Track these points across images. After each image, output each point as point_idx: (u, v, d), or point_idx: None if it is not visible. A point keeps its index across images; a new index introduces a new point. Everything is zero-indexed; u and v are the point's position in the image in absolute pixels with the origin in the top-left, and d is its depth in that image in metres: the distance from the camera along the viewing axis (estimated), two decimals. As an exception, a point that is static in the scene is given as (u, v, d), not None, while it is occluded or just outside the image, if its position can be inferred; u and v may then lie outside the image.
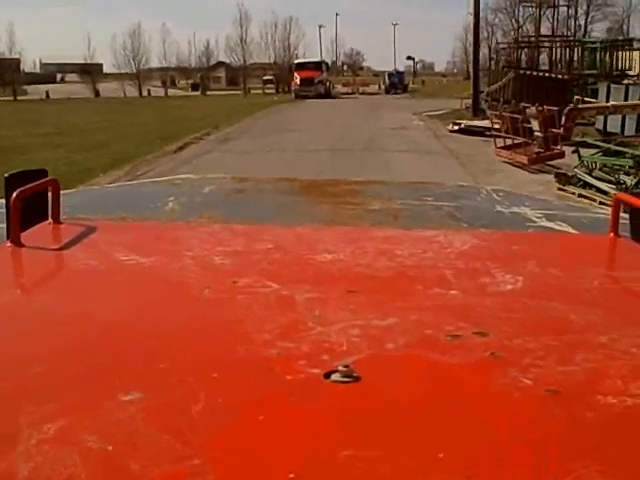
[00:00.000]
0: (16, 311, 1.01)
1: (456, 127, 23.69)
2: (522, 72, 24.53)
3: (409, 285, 1.11)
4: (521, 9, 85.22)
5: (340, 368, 0.77)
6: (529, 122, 16.49)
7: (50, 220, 1.35)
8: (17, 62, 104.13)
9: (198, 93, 71.24)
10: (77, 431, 0.66)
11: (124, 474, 0.61)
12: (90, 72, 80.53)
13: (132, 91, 69.89)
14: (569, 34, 42.16)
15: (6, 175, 1.24)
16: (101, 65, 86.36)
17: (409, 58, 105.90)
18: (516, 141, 16.30)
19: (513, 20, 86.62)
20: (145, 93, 69.35)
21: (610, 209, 1.40)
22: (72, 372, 0.80)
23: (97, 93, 68.63)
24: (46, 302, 1.05)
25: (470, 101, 34.30)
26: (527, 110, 16.77)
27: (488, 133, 22.81)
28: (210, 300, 1.03)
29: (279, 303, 1.00)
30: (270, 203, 1.98)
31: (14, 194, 1.19)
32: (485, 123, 24.01)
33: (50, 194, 1.35)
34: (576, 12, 77.05)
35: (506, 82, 23.92)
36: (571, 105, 17.95)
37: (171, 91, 74.60)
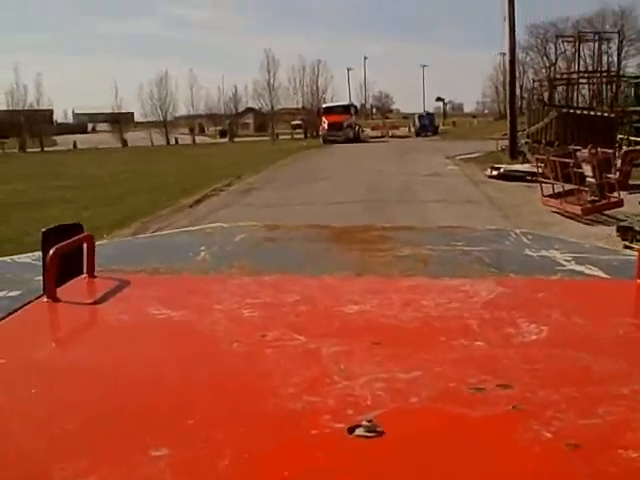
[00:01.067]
0: (50, 365, 1.02)
1: (495, 172, 22.05)
2: (565, 111, 22.83)
3: (434, 336, 1.10)
4: (552, 47, 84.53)
5: (364, 423, 0.79)
6: (580, 166, 14.83)
7: (85, 275, 1.39)
8: (49, 113, 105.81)
9: (226, 140, 70.75)
10: None
11: None
12: (119, 121, 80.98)
13: (160, 139, 69.65)
14: (603, 70, 40.59)
15: (43, 230, 1.30)
16: (132, 114, 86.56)
17: (439, 99, 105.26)
18: (566, 188, 14.65)
19: (544, 58, 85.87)
20: (173, 141, 69.01)
21: None
22: (104, 428, 0.81)
23: (125, 142, 68.37)
24: (79, 356, 1.06)
25: (506, 143, 32.77)
26: (578, 153, 15.07)
27: (530, 178, 21.27)
28: (238, 354, 1.04)
29: (305, 356, 1.01)
30: (300, 251, 1.98)
31: (52, 250, 1.23)
32: (526, 167, 22.41)
33: (85, 248, 1.38)
34: (609, 48, 76.18)
35: (548, 122, 22.29)
36: (617, 145, 16.33)
37: (199, 138, 74.30)
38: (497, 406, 0.85)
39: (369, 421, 0.79)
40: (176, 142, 68.53)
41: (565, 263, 1.70)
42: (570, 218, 13.96)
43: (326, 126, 56.95)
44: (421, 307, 1.25)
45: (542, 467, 0.72)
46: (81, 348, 1.14)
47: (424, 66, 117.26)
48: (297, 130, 73.91)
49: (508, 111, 29.93)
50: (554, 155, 15.57)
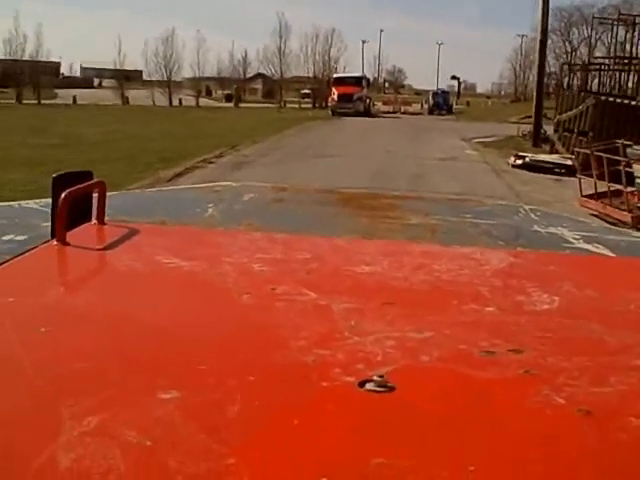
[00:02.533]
0: (60, 306, 1.03)
1: (519, 161, 19.57)
2: (604, 99, 20.23)
3: (445, 300, 1.10)
4: (575, 31, 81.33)
5: (375, 378, 0.78)
6: (629, 165, 12.42)
7: (95, 221, 1.37)
8: (57, 65, 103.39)
9: (231, 105, 68.06)
10: (117, 425, 0.68)
11: (161, 469, 0.63)
12: (129, 78, 78.27)
13: (164, 100, 66.96)
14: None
15: (54, 175, 1.27)
16: (140, 72, 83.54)
17: (454, 78, 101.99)
18: (604, 189, 12.26)
19: (567, 43, 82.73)
20: (176, 102, 66.27)
21: None
22: (113, 369, 0.82)
23: (127, 100, 65.73)
24: (89, 300, 1.07)
25: (528, 128, 30.25)
26: (628, 150, 12.63)
27: (558, 170, 18.89)
28: (249, 305, 1.04)
29: (316, 312, 1.01)
30: (309, 213, 1.98)
31: (64, 194, 1.21)
32: (555, 158, 19.95)
33: (96, 195, 1.37)
34: (633, 35, 73.26)
35: (583, 110, 19.71)
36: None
37: (204, 101, 71.61)
38: (508, 370, 0.84)
39: (380, 376, 0.78)
40: (180, 103, 65.78)
41: (573, 241, 1.69)
42: (613, 224, 11.58)
43: (336, 97, 53.90)
44: (432, 271, 1.24)
45: (552, 431, 0.72)
46: (91, 292, 1.13)
47: (440, 43, 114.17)
48: (306, 99, 71.21)
49: (535, 94, 27.30)
50: (598, 149, 13.08)
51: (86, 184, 1.31)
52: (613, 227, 2.31)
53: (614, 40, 28.95)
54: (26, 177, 14.02)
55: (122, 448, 0.65)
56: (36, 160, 16.74)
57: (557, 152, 21.06)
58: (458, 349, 0.90)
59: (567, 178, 17.71)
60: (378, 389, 0.77)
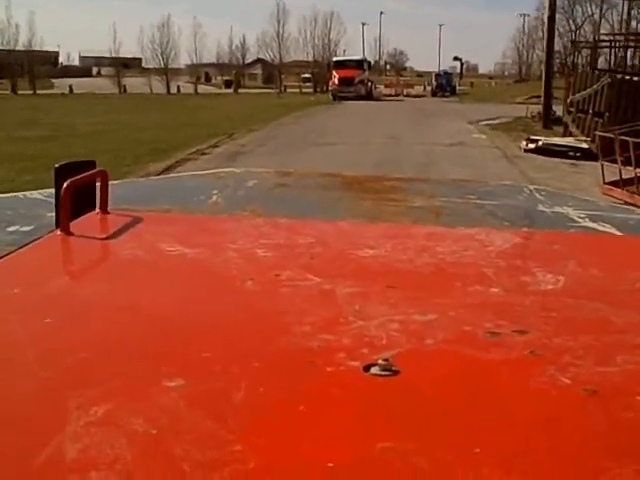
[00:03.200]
0: (65, 296, 1.03)
1: (531, 145, 18.43)
2: (620, 77, 19.01)
3: (449, 282, 1.10)
4: (579, 9, 79.69)
5: (380, 362, 0.79)
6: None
7: (98, 210, 1.37)
8: (55, 55, 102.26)
9: (230, 91, 66.81)
10: (123, 414, 0.68)
11: (167, 457, 0.63)
12: (128, 66, 77.15)
13: (161, 87, 65.76)
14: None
15: (56, 165, 1.27)
16: (139, 60, 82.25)
17: (456, 59, 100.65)
18: (630, 175, 11.16)
19: (570, 21, 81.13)
20: (175, 89, 65.05)
21: None
22: (117, 358, 0.82)
23: (124, 89, 64.54)
24: (94, 289, 1.06)
25: (537, 109, 29.06)
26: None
27: (572, 154, 17.76)
28: (253, 292, 1.04)
29: (320, 296, 1.02)
30: (313, 198, 1.95)
31: (65, 184, 1.21)
32: (569, 141, 18.81)
33: (99, 184, 1.37)
34: (637, 12, 71.64)
35: (598, 89, 18.54)
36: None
37: (203, 88, 70.34)
38: (513, 350, 0.84)
39: (385, 360, 0.79)
40: (178, 90, 64.57)
41: (579, 220, 1.67)
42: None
43: (336, 81, 52.63)
44: (436, 253, 1.24)
45: (559, 411, 0.72)
46: (95, 281, 1.13)
47: (441, 25, 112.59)
48: (307, 84, 69.96)
49: (544, 74, 26.08)
50: (622, 132, 11.96)
51: (88, 173, 1.31)
52: (619, 205, 2.07)
53: (626, 16, 27.60)
54: (8, 174, 13.08)
55: (128, 437, 0.65)
56: (18, 155, 15.81)
57: (571, 134, 19.90)
58: (463, 331, 0.89)
59: (583, 162, 16.65)
60: (383, 373, 0.77)
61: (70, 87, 60.00)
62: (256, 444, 0.65)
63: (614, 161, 11.68)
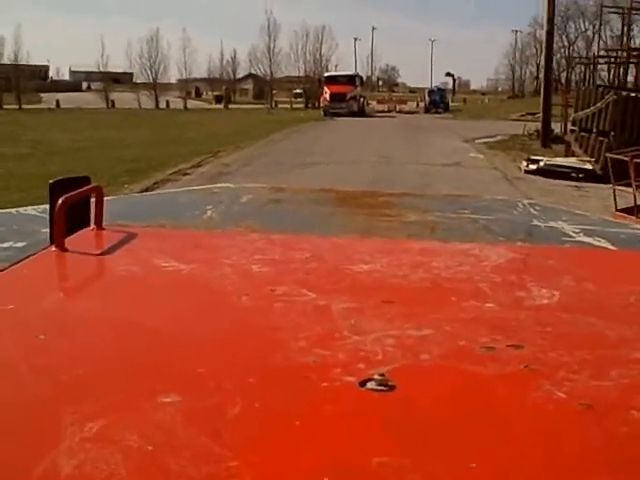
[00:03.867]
0: (59, 313, 1.03)
1: (533, 166, 17.42)
2: (626, 94, 17.99)
3: (444, 297, 1.10)
4: (572, 25, 79.27)
5: (375, 377, 0.79)
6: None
7: (93, 226, 1.37)
8: (45, 69, 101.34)
9: (221, 106, 65.90)
10: (118, 430, 0.68)
11: (163, 473, 0.63)
12: (119, 81, 76.31)
13: (151, 102, 64.81)
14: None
15: (51, 181, 1.27)
16: (131, 74, 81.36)
17: (448, 74, 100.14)
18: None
19: (564, 37, 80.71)
20: (164, 104, 64.12)
21: None
22: (112, 374, 0.81)
23: (112, 104, 63.59)
24: (88, 305, 1.06)
25: (534, 126, 28.15)
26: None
27: (575, 175, 16.78)
28: (248, 307, 1.04)
29: (315, 312, 1.01)
30: (307, 213, 1.95)
31: (60, 200, 1.21)
32: (572, 161, 17.82)
33: (94, 200, 1.37)
34: (629, 29, 71.24)
35: (603, 107, 17.56)
36: None
37: (193, 103, 69.57)
38: (509, 365, 0.84)
39: (381, 375, 0.79)
40: (167, 106, 63.76)
41: (573, 234, 1.68)
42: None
43: (328, 97, 51.56)
44: (431, 269, 1.24)
45: (554, 426, 0.72)
46: (90, 297, 1.13)
47: (433, 40, 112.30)
48: (298, 99, 69.14)
49: (542, 89, 25.13)
50: (635, 154, 10.94)
51: (83, 189, 1.31)
52: (612, 220, 2.15)
53: (625, 30, 26.74)
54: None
55: (123, 453, 0.65)
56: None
57: (574, 154, 18.91)
58: (458, 346, 0.89)
59: (587, 184, 15.69)
60: (379, 388, 0.77)
61: (57, 102, 59.09)
62: (252, 460, 0.65)
63: (627, 185, 10.66)
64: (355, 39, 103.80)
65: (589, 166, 17.05)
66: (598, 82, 23.69)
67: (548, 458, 0.66)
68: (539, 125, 27.71)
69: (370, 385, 0.77)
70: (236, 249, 1.32)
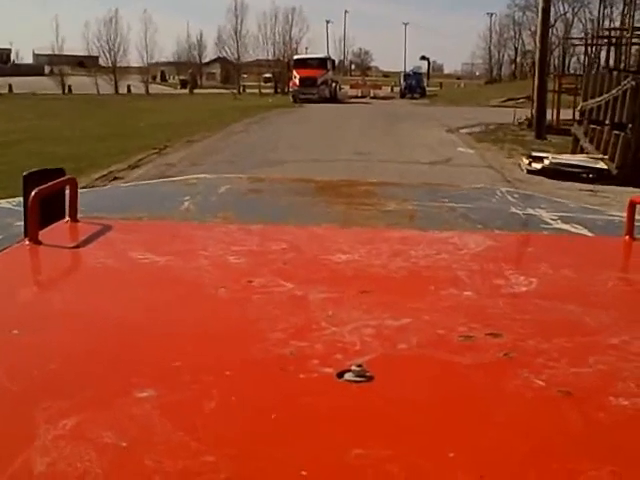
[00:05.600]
0: (32, 307, 1.01)
1: (536, 165, 14.60)
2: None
3: (423, 286, 1.11)
4: (552, 7, 76.91)
5: (353, 368, 0.78)
6: None
7: (67, 218, 1.35)
8: (7, 52, 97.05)
9: (186, 91, 62.43)
10: (92, 427, 0.68)
11: (138, 469, 0.62)
12: (83, 64, 72.57)
13: (111, 87, 61.16)
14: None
15: (24, 173, 1.25)
16: (97, 58, 77.37)
17: (423, 58, 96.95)
18: None
19: (543, 18, 78.22)
20: (125, 90, 60.48)
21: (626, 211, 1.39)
22: (87, 369, 0.81)
23: (69, 89, 59.84)
24: (63, 299, 1.05)
25: (524, 114, 25.40)
26: None
27: (586, 176, 14.02)
28: (225, 299, 1.04)
29: (293, 303, 1.01)
30: (285, 203, 1.97)
31: (33, 192, 1.19)
32: (583, 159, 15.01)
33: (68, 192, 1.34)
34: (611, 11, 68.95)
35: (618, 95, 14.73)
36: None
37: (157, 88, 66.08)
38: (487, 354, 0.84)
39: (358, 366, 0.78)
40: (128, 91, 60.10)
41: (551, 222, 1.68)
42: None
43: (297, 81, 48.11)
44: (409, 257, 1.24)
45: (533, 413, 0.73)
46: (64, 291, 1.11)
47: (406, 24, 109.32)
48: (268, 84, 65.85)
49: (536, 72, 22.27)
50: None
51: (56, 181, 1.28)
52: (590, 206, 2.12)
53: (630, 11, 23.93)
54: None
55: (98, 450, 0.64)
56: None
57: (582, 150, 16.10)
58: (437, 335, 0.89)
59: (604, 188, 12.98)
60: (357, 379, 0.76)
61: (10, 86, 55.31)
62: (228, 454, 0.64)
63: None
64: (327, 22, 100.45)
65: (602, 165, 14.29)
66: (595, 65, 20.94)
67: (527, 445, 0.67)
68: (529, 113, 25.03)
69: (348, 376, 0.76)
70: (213, 240, 1.31)
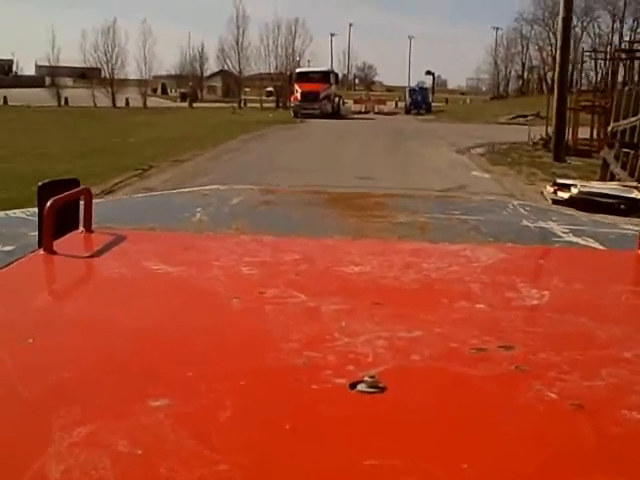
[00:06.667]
0: (48, 316, 1.03)
1: (563, 194, 12.86)
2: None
3: (435, 298, 1.11)
4: (559, 21, 75.48)
5: (366, 379, 0.78)
6: None
7: (82, 229, 1.37)
8: (9, 64, 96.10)
9: (186, 104, 60.98)
10: (107, 435, 0.68)
11: (153, 477, 0.63)
12: (85, 76, 71.36)
13: (108, 100, 59.69)
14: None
15: (40, 184, 1.26)
16: (99, 70, 76.07)
17: (428, 73, 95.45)
18: None
19: (550, 33, 76.78)
20: (123, 102, 59.03)
21: None
22: (102, 378, 0.82)
23: (65, 101, 58.43)
24: (77, 308, 1.06)
25: (540, 134, 23.75)
26: None
27: (623, 207, 12.34)
28: (238, 310, 1.04)
29: (306, 314, 1.02)
30: (297, 215, 1.97)
31: (49, 202, 1.20)
32: (613, 187, 13.30)
33: (82, 203, 1.37)
34: (622, 26, 67.56)
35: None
36: None
37: (156, 101, 64.95)
38: (499, 366, 0.84)
39: (371, 377, 0.78)
40: (127, 104, 58.65)
41: (562, 235, 1.68)
42: None
43: (299, 95, 46.41)
44: (422, 270, 1.24)
45: (545, 426, 0.72)
46: (79, 300, 1.12)
47: (411, 37, 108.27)
48: (271, 98, 64.37)
49: (556, 87, 20.57)
50: None
51: (72, 192, 1.29)
52: (601, 220, 2.07)
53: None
54: None
55: (113, 458, 0.64)
56: None
57: (612, 177, 14.41)
58: (449, 347, 0.89)
59: (638, 220, 11.29)
60: (369, 390, 0.76)
61: (5, 98, 53.98)
62: (242, 463, 0.64)
63: None
64: (332, 34, 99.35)
65: (637, 194, 12.58)
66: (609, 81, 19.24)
67: (539, 459, 0.66)
68: (542, 132, 23.41)
69: (361, 387, 0.76)
70: (226, 251, 1.31)
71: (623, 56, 22.78)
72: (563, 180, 13.87)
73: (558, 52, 20.42)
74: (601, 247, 1.56)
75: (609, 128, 15.94)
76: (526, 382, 0.80)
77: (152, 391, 0.75)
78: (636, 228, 1.47)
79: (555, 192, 13.08)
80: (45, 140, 22.79)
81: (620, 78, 22.25)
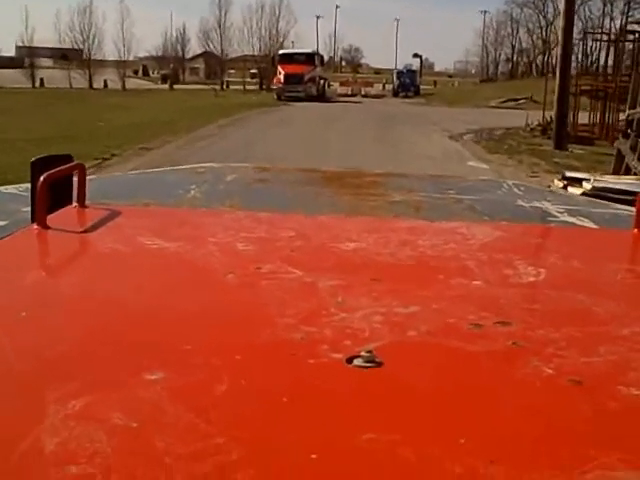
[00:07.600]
0: (41, 290, 1.02)
1: (575, 190, 11.37)
2: None
3: (432, 275, 1.11)
4: (550, 4, 73.95)
5: (363, 353, 0.79)
6: None
7: (75, 204, 1.36)
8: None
9: (166, 86, 59.04)
10: (102, 408, 0.68)
11: (148, 451, 0.63)
12: (67, 57, 69.16)
13: (85, 82, 57.70)
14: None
15: (32, 159, 1.25)
16: (81, 51, 73.72)
17: (416, 56, 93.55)
18: None
19: (541, 16, 75.28)
20: (101, 84, 57.03)
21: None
22: (97, 352, 0.82)
23: (41, 82, 56.40)
24: (71, 283, 1.06)
25: (537, 119, 22.31)
26: None
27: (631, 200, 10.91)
28: (234, 285, 1.04)
29: (302, 289, 1.02)
30: (292, 192, 1.96)
31: (42, 177, 1.19)
32: (631, 181, 11.82)
33: (76, 178, 1.35)
34: (612, 10, 66.21)
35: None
36: None
37: (137, 82, 62.83)
38: (496, 342, 0.85)
39: (368, 352, 0.78)
40: (105, 85, 56.71)
41: (557, 214, 1.68)
42: None
43: (282, 78, 44.53)
44: (418, 247, 1.24)
45: (542, 402, 0.73)
46: (73, 274, 1.12)
47: (398, 20, 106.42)
48: (255, 80, 62.54)
49: (558, 71, 19.03)
50: None
51: (65, 167, 1.28)
52: (597, 200, 2.17)
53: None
54: None
55: (108, 431, 0.64)
56: None
57: (628, 170, 12.96)
58: (446, 323, 0.90)
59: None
60: (366, 365, 0.77)
61: (-22, 80, 51.86)
62: (238, 437, 0.64)
63: None
64: (317, 17, 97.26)
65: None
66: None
67: (537, 434, 0.67)
68: (539, 116, 21.98)
69: (357, 362, 0.77)
70: (221, 227, 1.31)
71: (630, 37, 21.27)
72: (573, 173, 12.36)
73: (560, 33, 18.88)
74: (596, 227, 1.55)
75: (623, 115, 14.48)
76: (524, 358, 0.80)
77: (148, 364, 0.74)
78: (630, 209, 1.46)
79: (565, 187, 11.59)
80: (7, 124, 21.09)
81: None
